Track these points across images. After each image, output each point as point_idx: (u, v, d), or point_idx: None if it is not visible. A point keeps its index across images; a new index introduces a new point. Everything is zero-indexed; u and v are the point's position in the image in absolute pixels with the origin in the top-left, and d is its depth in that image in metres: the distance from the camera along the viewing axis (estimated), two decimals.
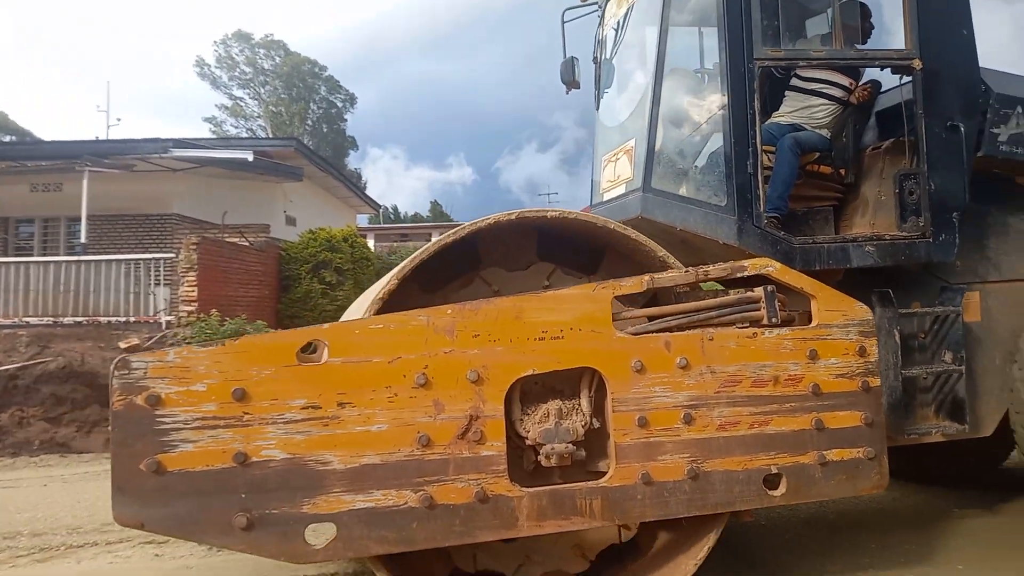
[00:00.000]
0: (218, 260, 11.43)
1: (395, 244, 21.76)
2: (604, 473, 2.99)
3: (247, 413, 2.64)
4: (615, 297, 2.99)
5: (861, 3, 3.87)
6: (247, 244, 12.92)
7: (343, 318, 4.57)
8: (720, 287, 3.53)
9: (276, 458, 2.65)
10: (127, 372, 2.58)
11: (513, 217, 3.05)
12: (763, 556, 3.72)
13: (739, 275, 3.12)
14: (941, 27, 3.73)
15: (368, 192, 26.63)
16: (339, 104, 44.10)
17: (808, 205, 4.04)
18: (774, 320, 3.08)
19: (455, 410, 2.79)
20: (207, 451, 2.60)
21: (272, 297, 13.09)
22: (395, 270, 3.01)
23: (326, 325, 2.84)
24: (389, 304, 2.92)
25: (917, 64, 3.70)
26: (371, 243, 23.57)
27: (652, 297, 3.30)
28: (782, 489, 3.06)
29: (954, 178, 3.71)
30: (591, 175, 4.98)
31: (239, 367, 2.66)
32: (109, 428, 2.63)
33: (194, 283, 10.62)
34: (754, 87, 3.56)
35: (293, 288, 13.22)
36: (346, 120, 44.74)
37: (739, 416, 3.02)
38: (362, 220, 29.24)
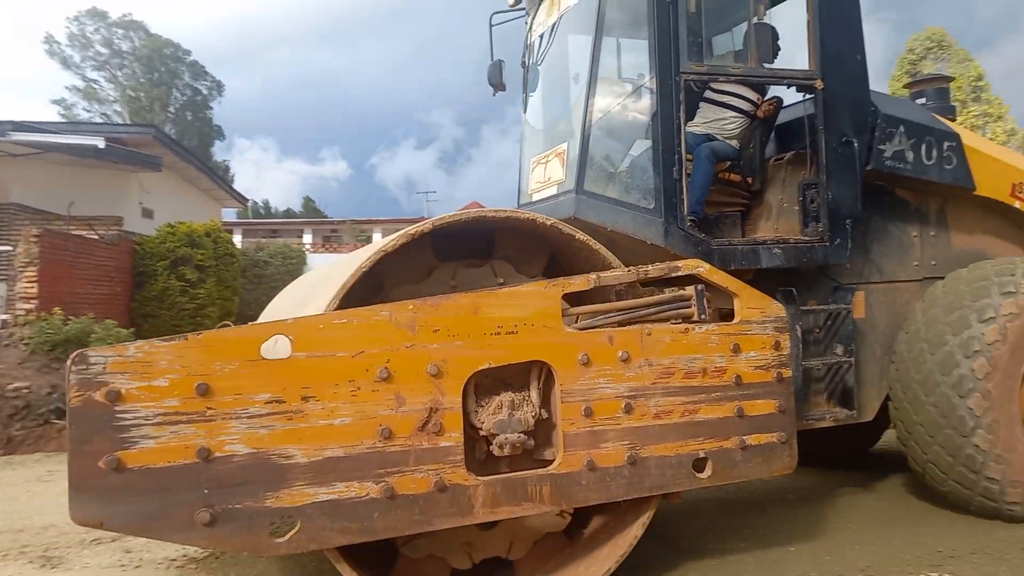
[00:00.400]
0: (62, 254, 10.56)
1: (263, 240, 20.88)
2: (548, 461, 3.15)
3: (210, 408, 2.61)
4: (564, 294, 3.13)
5: (771, 26, 4.26)
6: (96, 237, 12.02)
7: (271, 308, 4.54)
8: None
9: (240, 453, 2.63)
10: (85, 367, 2.48)
11: (501, 214, 3.21)
12: (688, 540, 3.98)
13: (674, 275, 3.36)
14: (839, 52, 4.19)
15: (236, 185, 25.53)
16: (205, 91, 41.91)
17: (719, 210, 4.38)
18: (703, 317, 3.33)
19: (416, 403, 2.86)
20: (169, 447, 2.56)
21: (125, 294, 12.22)
22: (356, 265, 2.99)
23: (290, 320, 2.80)
24: (345, 298, 2.92)
25: (819, 84, 4.14)
26: (237, 239, 22.55)
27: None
28: (708, 472, 3.33)
29: (848, 189, 4.16)
30: (518, 176, 5.12)
31: (202, 361, 2.62)
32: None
33: (34, 279, 9.76)
34: (680, 99, 3.84)
35: (149, 285, 12.38)
36: (212, 108, 42.65)
37: (672, 405, 3.26)
38: (229, 214, 27.97)
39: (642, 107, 4.05)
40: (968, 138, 4.60)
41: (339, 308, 2.89)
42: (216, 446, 2.59)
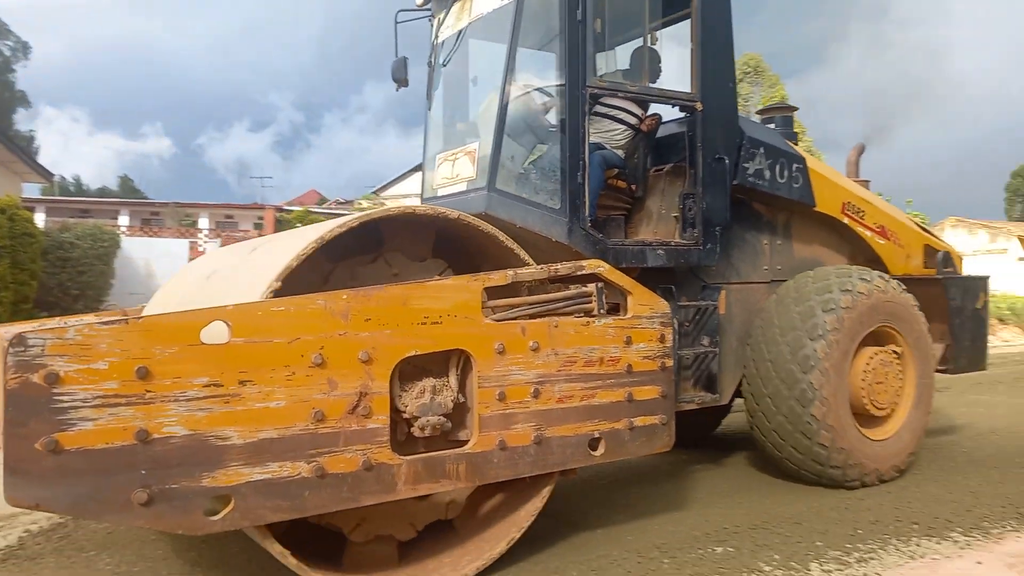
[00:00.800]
0: None
1: (71, 220, 18.99)
2: (462, 442, 3.38)
3: (149, 391, 2.61)
4: (484, 288, 3.37)
5: (655, 49, 4.73)
6: None
7: (162, 293, 4.41)
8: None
9: (177, 435, 2.66)
10: (23, 349, 2.42)
11: (452, 215, 3.43)
12: (580, 515, 4.34)
13: (579, 273, 3.68)
14: (715, 79, 4.76)
15: (41, 159, 23.11)
16: (7, 52, 37.57)
17: (606, 213, 4.74)
18: (602, 312, 3.68)
19: (347, 387, 3.00)
20: (107, 429, 2.55)
21: None
22: (294, 249, 3.04)
23: (230, 306, 2.80)
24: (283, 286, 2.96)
25: (699, 106, 4.67)
26: (40, 217, 20.38)
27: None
28: (601, 450, 3.69)
29: (720, 200, 4.72)
30: (423, 169, 5.35)
31: (143, 345, 2.61)
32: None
33: None
34: (585, 110, 4.20)
35: None
36: (15, 72, 38.32)
37: (574, 391, 3.60)
38: (32, 190, 25.38)
39: (551, 115, 4.46)
40: (811, 162, 5.38)
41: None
42: (154, 428, 2.61)
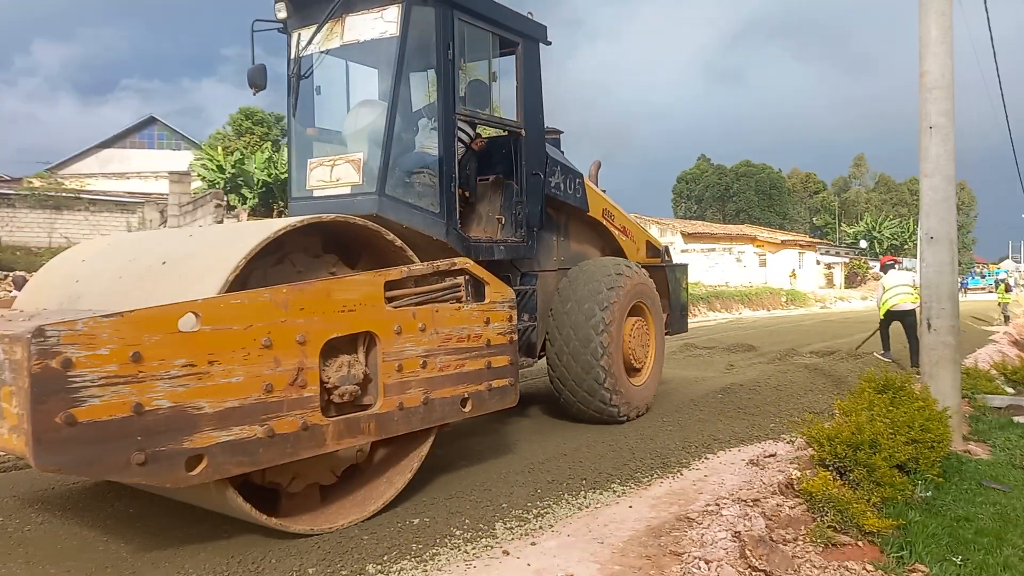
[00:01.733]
0: None
1: None
2: (367, 406, 4.27)
3: (141, 371, 3.22)
4: (385, 282, 4.28)
5: (484, 82, 6.07)
6: None
7: (40, 278, 4.82)
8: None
9: (164, 407, 3.29)
10: (43, 340, 2.94)
11: (323, 218, 4.15)
12: (473, 485, 5.11)
13: (453, 268, 4.74)
14: (532, 112, 6.41)
15: None
16: None
17: None
18: (468, 299, 4.79)
19: (288, 364, 3.76)
20: (110, 403, 3.12)
21: None
22: (236, 253, 3.71)
23: (200, 299, 3.46)
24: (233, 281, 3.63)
25: (523, 132, 6.28)
26: None
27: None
28: (469, 407, 4.83)
29: (536, 207, 6.39)
30: (289, 171, 6.14)
31: (135, 334, 3.20)
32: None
33: None
34: (455, 132, 5.39)
35: None
36: None
37: (450, 361, 4.65)
38: None
39: (430, 134, 5.58)
40: (584, 177, 7.40)
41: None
42: (146, 402, 3.22)
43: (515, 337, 5.12)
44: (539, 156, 6.41)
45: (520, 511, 4.61)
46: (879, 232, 66.88)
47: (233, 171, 31.72)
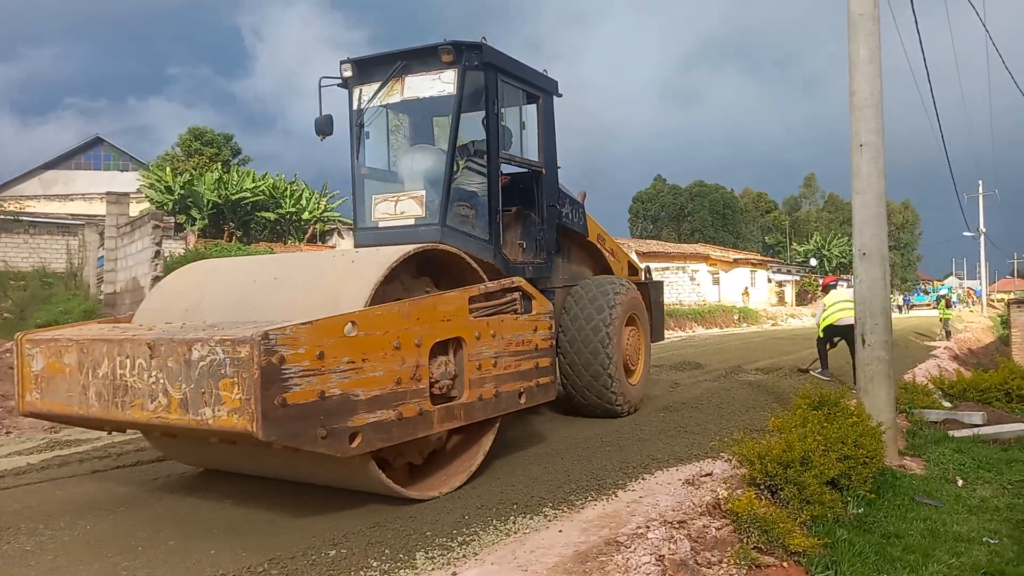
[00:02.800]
0: None
1: None
2: (455, 397, 5.22)
3: (323, 366, 4.07)
4: (469, 297, 5.30)
5: (508, 127, 7.13)
6: None
7: (151, 299, 5.73)
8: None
9: (336, 394, 4.16)
10: (267, 341, 3.79)
11: (429, 246, 5.40)
12: (397, 514, 5.18)
13: (511, 286, 5.86)
14: (549, 154, 7.73)
15: None
16: None
17: None
18: (521, 311, 5.88)
19: (410, 362, 4.68)
20: (306, 391, 3.97)
21: None
22: (373, 274, 4.79)
23: (357, 311, 4.39)
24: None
25: (543, 171, 7.55)
26: None
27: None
28: (524, 399, 5.84)
29: (553, 234, 7.72)
30: (353, 206, 7.20)
31: (320, 337, 4.07)
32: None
33: None
34: (499, 172, 6.80)
35: None
36: None
37: (511, 362, 5.69)
38: None
39: (480, 174, 6.89)
40: (584, 207, 8.67)
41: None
42: (326, 390, 4.08)
43: (553, 342, 6.24)
44: (554, 190, 7.77)
45: (444, 539, 4.42)
46: (828, 250, 68.47)
47: (182, 192, 31.12)
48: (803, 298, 56.01)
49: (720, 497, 4.63)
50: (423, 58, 6.68)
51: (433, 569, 4.02)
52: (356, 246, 6.92)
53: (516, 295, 5.83)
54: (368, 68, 6.92)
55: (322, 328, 4.10)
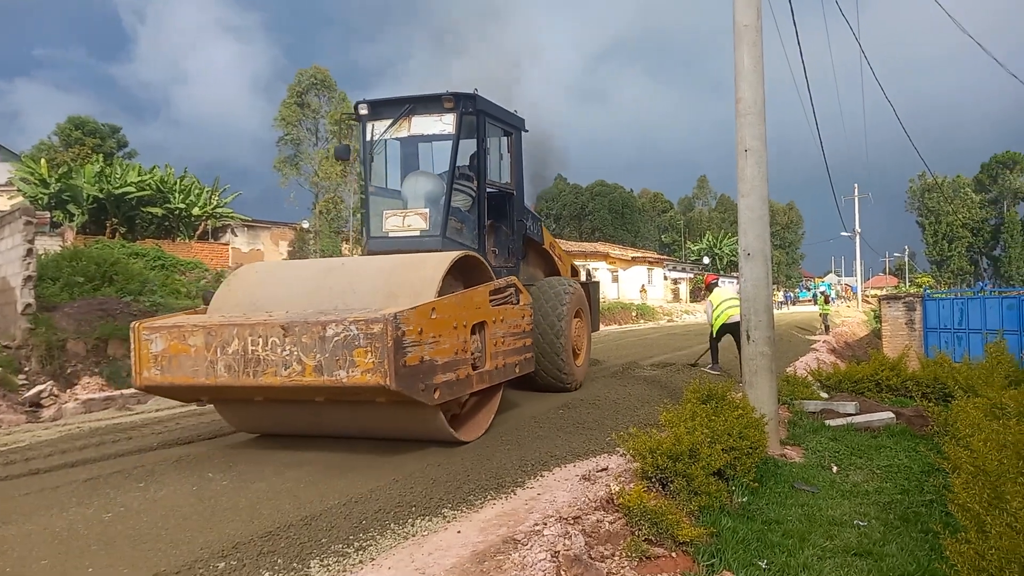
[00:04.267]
0: None
1: None
2: (479, 367, 6.90)
3: (421, 339, 5.75)
4: (489, 291, 7.16)
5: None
6: None
7: (222, 293, 7.10)
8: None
9: (427, 359, 5.84)
10: (395, 321, 5.43)
11: (462, 255, 7.22)
12: (291, 521, 5.25)
13: (509, 284, 7.81)
14: (518, 177, 9.63)
15: None
16: None
17: None
18: (516, 302, 7.81)
19: (462, 338, 6.44)
20: (414, 356, 5.65)
21: None
22: (433, 275, 6.52)
23: (435, 300, 6.10)
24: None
25: (514, 192, 9.49)
26: None
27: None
28: (517, 369, 7.80)
29: (519, 243, 9.72)
30: (365, 220, 8.92)
31: (420, 318, 5.76)
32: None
33: None
34: (485, 193, 8.84)
35: None
36: None
37: (512, 341, 7.64)
38: None
39: (468, 195, 8.80)
40: (542, 221, 10.89)
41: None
42: (424, 356, 5.78)
43: (532, 327, 8.36)
44: (522, 207, 9.85)
45: (341, 545, 4.35)
46: (720, 249, 71.54)
47: (59, 185, 29.17)
48: (697, 295, 58.31)
49: (613, 492, 4.76)
50: (427, 103, 8.41)
51: None
52: (368, 253, 8.53)
53: (512, 290, 7.73)
54: (380, 108, 8.66)
55: (421, 312, 5.77)
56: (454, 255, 6.82)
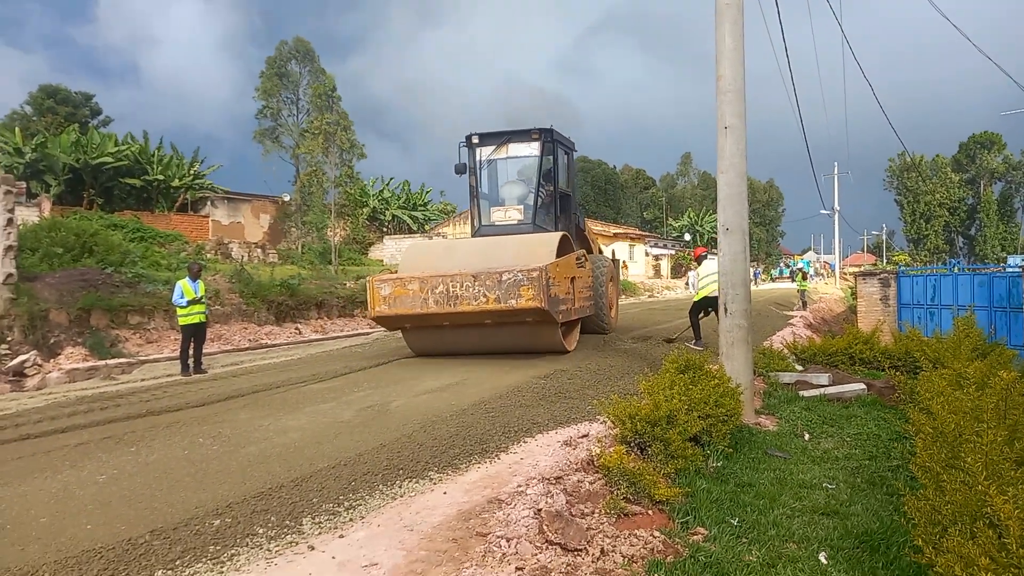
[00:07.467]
0: None
1: None
2: (571, 306, 11.06)
3: (553, 282, 9.90)
4: (575, 256, 11.51)
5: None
6: None
7: (406, 260, 11.44)
8: None
9: (556, 295, 10.05)
10: (545, 270, 9.64)
11: (562, 234, 11.61)
12: (283, 482, 5.40)
13: (581, 253, 12.10)
14: (571, 182, 13.49)
15: None
16: None
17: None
18: (584, 266, 12.12)
19: (566, 285, 10.66)
20: (553, 291, 9.90)
21: None
22: (550, 244, 10.73)
23: (552, 262, 10.06)
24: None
25: (571, 194, 13.28)
26: None
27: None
28: (588, 311, 12.34)
29: (574, 228, 13.09)
30: (477, 215, 12.87)
31: (553, 269, 9.90)
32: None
33: None
34: (557, 194, 12.68)
35: None
36: None
37: (585, 292, 12.00)
38: None
39: (547, 196, 12.58)
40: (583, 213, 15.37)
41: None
42: (554, 293, 9.92)
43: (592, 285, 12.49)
44: (575, 204, 13.46)
45: (331, 504, 4.52)
46: (701, 226, 71.94)
47: (34, 155, 28.77)
48: (678, 271, 58.73)
49: (594, 454, 4.96)
50: (520, 136, 12.42)
51: (320, 533, 4.13)
52: (476, 235, 12.58)
53: (584, 258, 11.84)
54: (485, 139, 12.62)
55: (552, 266, 9.78)
56: (559, 234, 11.04)
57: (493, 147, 12.47)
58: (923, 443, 4.50)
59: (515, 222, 12.11)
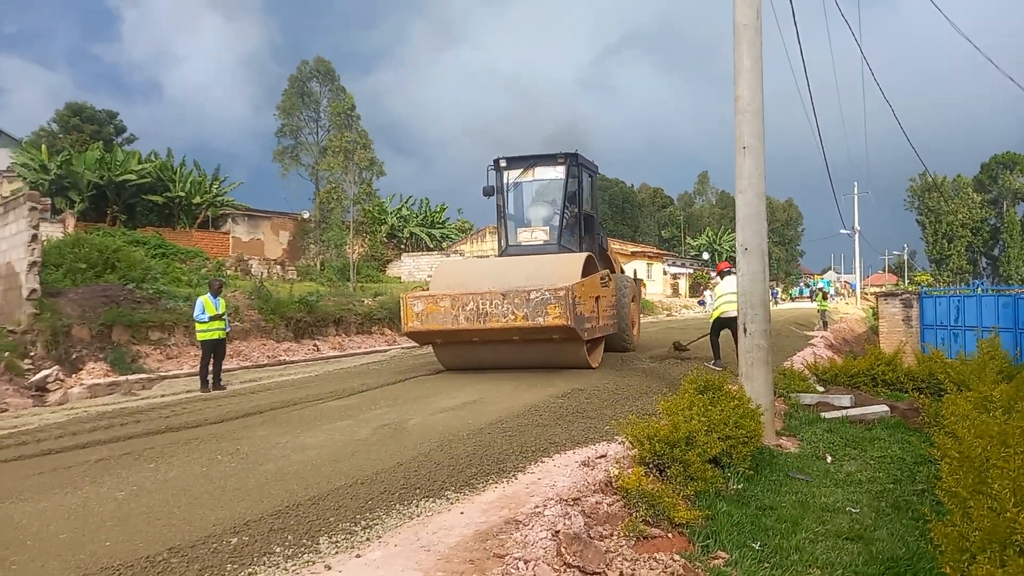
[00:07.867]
0: None
1: None
2: (595, 324, 11.18)
3: (578, 300, 9.96)
4: (600, 276, 11.71)
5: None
6: None
7: (437, 279, 11.78)
8: None
9: (581, 313, 10.19)
10: (571, 289, 9.75)
11: (588, 255, 11.94)
12: (300, 501, 5.24)
13: (605, 274, 12.49)
14: (596, 204, 14.15)
15: None
16: None
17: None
18: (608, 285, 12.48)
19: (591, 304, 10.80)
20: (579, 309, 10.05)
21: None
22: (575, 264, 10.99)
23: (578, 281, 10.21)
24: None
25: (594, 215, 13.63)
26: None
27: None
28: (612, 329, 12.53)
29: (597, 249, 13.39)
30: (504, 235, 13.08)
31: (579, 289, 10.03)
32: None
33: None
34: (581, 215, 12.98)
35: None
36: None
37: (608, 310, 12.18)
38: None
39: (572, 217, 12.76)
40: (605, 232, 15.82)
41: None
42: (579, 312, 10.05)
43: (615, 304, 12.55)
44: (597, 225, 13.88)
45: (348, 524, 4.49)
46: (719, 244, 71.64)
47: (59, 172, 29.25)
48: (696, 290, 58.42)
49: (612, 476, 4.91)
50: (546, 159, 12.69)
51: (337, 552, 4.10)
52: (503, 255, 12.88)
53: (608, 278, 12.13)
54: (513, 162, 12.85)
55: (578, 285, 9.94)
56: (585, 254, 11.49)
57: (520, 170, 12.79)
58: (949, 467, 4.42)
59: (541, 242, 12.44)
